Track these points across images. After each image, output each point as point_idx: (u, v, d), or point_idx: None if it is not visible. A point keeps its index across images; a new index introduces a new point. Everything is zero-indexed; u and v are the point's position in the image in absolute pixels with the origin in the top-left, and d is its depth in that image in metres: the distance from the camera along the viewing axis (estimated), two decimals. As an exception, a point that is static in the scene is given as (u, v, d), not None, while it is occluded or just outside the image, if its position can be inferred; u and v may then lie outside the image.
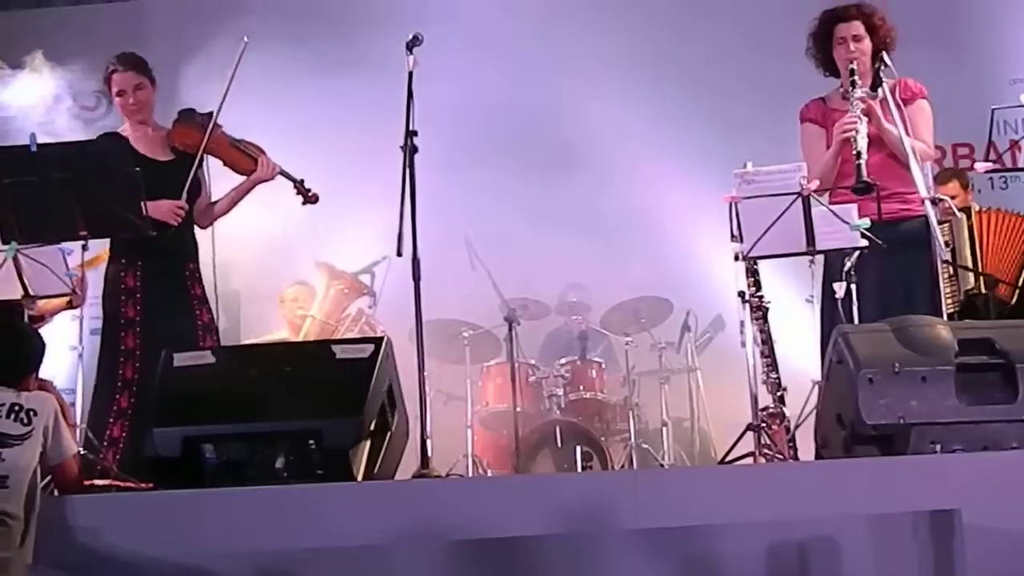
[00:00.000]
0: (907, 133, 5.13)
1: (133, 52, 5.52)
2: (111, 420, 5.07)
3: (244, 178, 5.46)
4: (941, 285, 5.65)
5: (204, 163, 5.43)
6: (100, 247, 5.40)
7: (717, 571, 3.92)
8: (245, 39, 5.33)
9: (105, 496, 4.26)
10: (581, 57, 8.23)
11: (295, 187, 5.49)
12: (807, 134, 5.52)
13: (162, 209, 5.17)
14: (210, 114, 5.39)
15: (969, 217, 6.62)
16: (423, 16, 5.49)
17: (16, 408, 3.94)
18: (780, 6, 7.49)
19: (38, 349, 4.26)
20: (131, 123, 5.42)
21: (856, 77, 5.29)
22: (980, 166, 6.07)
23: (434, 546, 3.97)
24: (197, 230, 5.51)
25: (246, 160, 5.41)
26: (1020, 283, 6.58)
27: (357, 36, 8.02)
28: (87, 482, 4.30)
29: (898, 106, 5.22)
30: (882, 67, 5.30)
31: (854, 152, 5.10)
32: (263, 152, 5.43)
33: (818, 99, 5.57)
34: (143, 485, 4.40)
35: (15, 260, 5.01)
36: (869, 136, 5.15)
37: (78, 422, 4.71)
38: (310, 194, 5.49)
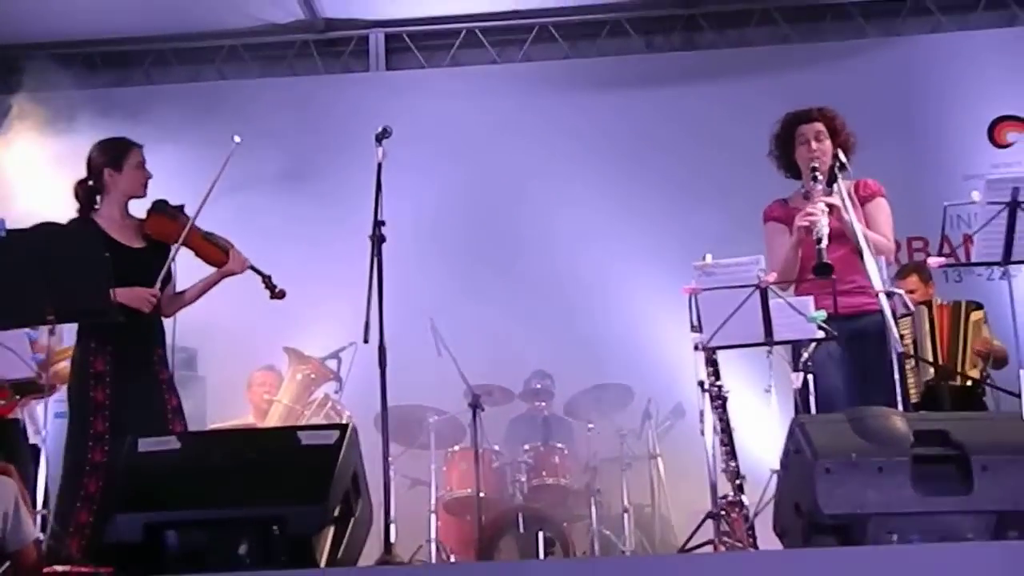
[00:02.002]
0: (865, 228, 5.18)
1: None
2: (79, 505, 4.93)
3: (213, 269, 5.43)
4: (896, 376, 5.67)
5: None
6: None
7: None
8: (236, 139, 5.28)
9: (65, 583, 4.17)
10: (548, 156, 8.37)
11: (263, 282, 5.45)
12: (770, 232, 5.54)
13: (137, 296, 5.12)
14: (182, 206, 5.36)
15: (930, 310, 6.72)
16: (391, 113, 5.51)
17: (-25, 494, 3.88)
18: (736, 117, 7.60)
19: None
20: (114, 205, 5.38)
21: (818, 174, 5.34)
22: (933, 261, 6.15)
23: (395, 634, 3.90)
24: (161, 315, 5.46)
25: (218, 253, 5.38)
26: (962, 367, 6.68)
27: (328, 133, 8.13)
28: (46, 569, 4.21)
29: (855, 205, 5.27)
30: (838, 165, 5.36)
31: (815, 238, 5.12)
32: (233, 246, 5.41)
33: (780, 200, 5.59)
34: (102, 571, 4.31)
35: (-19, 344, 4.99)
36: (832, 230, 5.18)
37: (40, 507, 4.60)
38: (277, 290, 5.45)
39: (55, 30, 8.89)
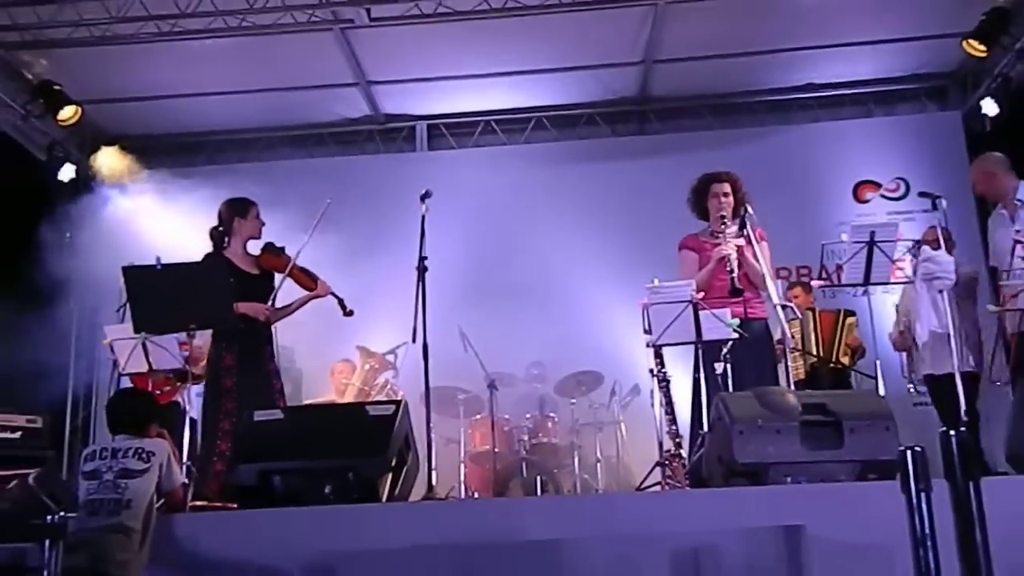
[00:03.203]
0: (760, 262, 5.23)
1: None
2: (215, 459, 4.94)
3: (305, 292, 5.42)
4: (789, 363, 5.68)
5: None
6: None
7: (636, 570, 3.84)
8: (328, 201, 5.23)
9: (202, 514, 4.18)
10: (543, 210, 8.38)
11: (339, 303, 5.42)
12: (684, 258, 5.59)
13: (255, 309, 5.16)
14: (284, 247, 5.36)
15: (814, 315, 6.76)
16: (431, 180, 5.46)
17: (139, 450, 3.89)
18: (673, 182, 7.58)
19: (153, 408, 4.21)
20: (238, 244, 5.37)
21: (726, 221, 5.38)
22: (815, 283, 6.21)
23: (437, 549, 3.89)
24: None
25: (309, 281, 5.37)
26: (837, 357, 6.68)
27: (386, 194, 8.15)
28: (190, 504, 4.22)
29: (757, 242, 5.30)
30: (746, 214, 5.39)
31: (728, 269, 5.19)
32: (319, 276, 5.40)
33: (693, 234, 5.64)
34: (230, 505, 4.31)
35: (143, 345, 5.04)
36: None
37: (184, 460, 4.60)
38: (348, 310, 5.41)
39: (201, 123, 8.96)
